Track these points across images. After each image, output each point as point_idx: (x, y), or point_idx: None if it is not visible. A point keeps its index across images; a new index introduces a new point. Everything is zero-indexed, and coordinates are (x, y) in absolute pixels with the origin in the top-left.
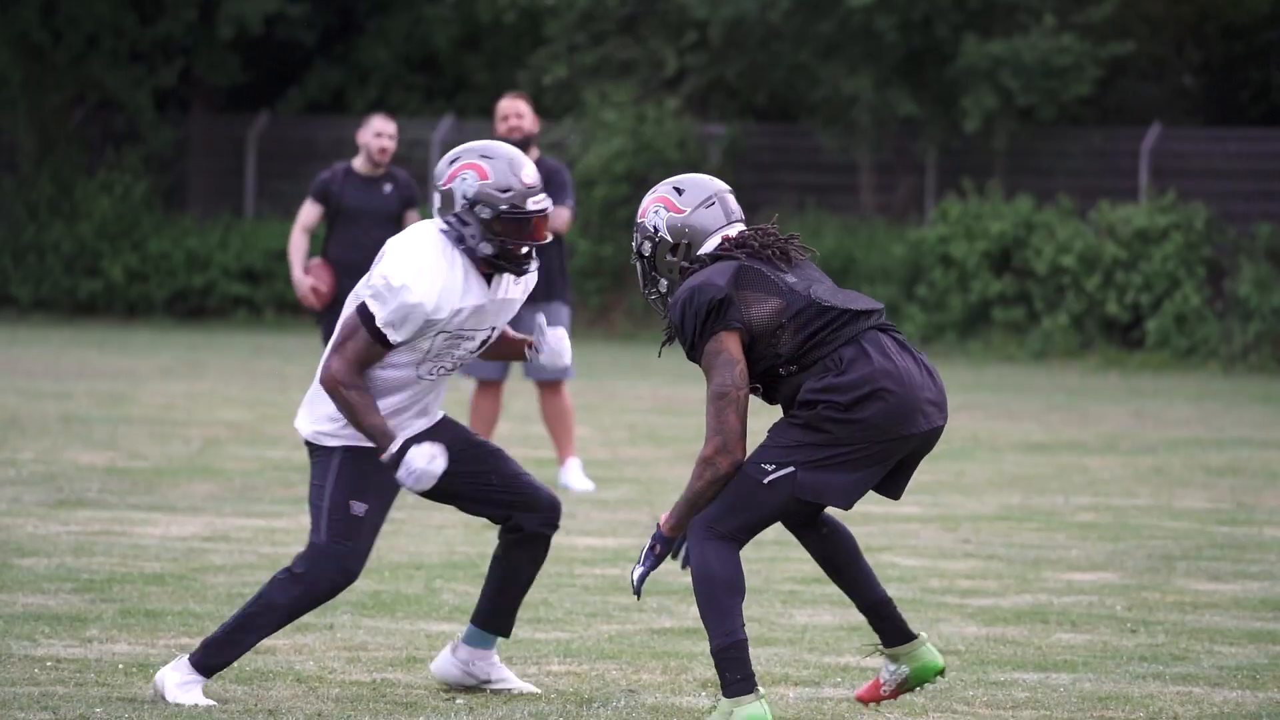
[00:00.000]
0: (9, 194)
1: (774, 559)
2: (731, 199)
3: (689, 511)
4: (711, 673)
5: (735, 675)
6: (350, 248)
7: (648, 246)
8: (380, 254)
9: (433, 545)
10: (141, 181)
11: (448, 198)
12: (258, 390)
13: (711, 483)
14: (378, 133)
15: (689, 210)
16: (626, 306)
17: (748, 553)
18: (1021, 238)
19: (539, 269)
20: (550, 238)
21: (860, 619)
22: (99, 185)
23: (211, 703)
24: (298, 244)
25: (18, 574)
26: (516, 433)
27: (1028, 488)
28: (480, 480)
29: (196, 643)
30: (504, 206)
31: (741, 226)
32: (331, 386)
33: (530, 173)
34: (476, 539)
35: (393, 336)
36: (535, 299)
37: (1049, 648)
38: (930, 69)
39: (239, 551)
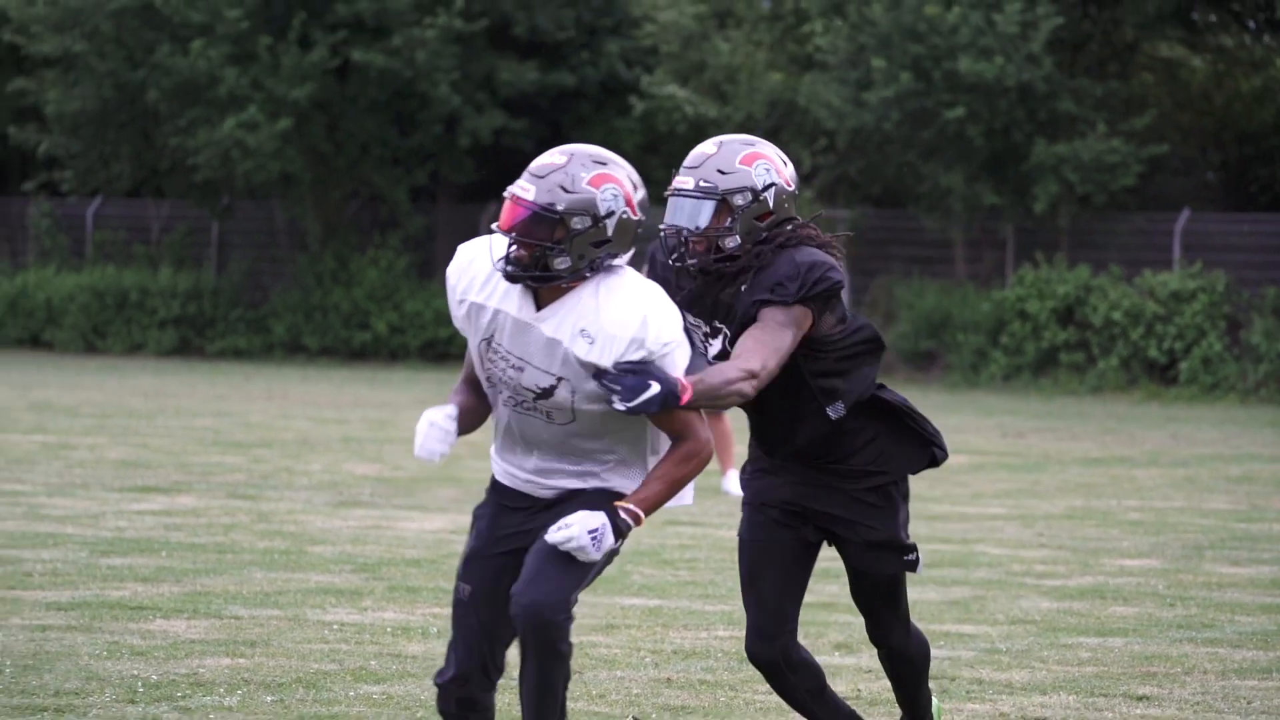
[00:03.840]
0: (301, 267)
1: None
2: None
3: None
4: (844, 636)
5: None
6: None
7: (746, 198)
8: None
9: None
10: (401, 257)
11: None
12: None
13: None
14: None
15: (794, 186)
16: None
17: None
18: (1082, 297)
19: None
20: (509, 230)
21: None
22: (369, 260)
23: None
24: None
25: (310, 558)
26: None
27: (1088, 493)
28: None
29: (447, 611)
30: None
31: None
32: None
33: (536, 162)
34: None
35: (455, 318)
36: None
37: (1106, 618)
38: (1008, 166)
39: None
